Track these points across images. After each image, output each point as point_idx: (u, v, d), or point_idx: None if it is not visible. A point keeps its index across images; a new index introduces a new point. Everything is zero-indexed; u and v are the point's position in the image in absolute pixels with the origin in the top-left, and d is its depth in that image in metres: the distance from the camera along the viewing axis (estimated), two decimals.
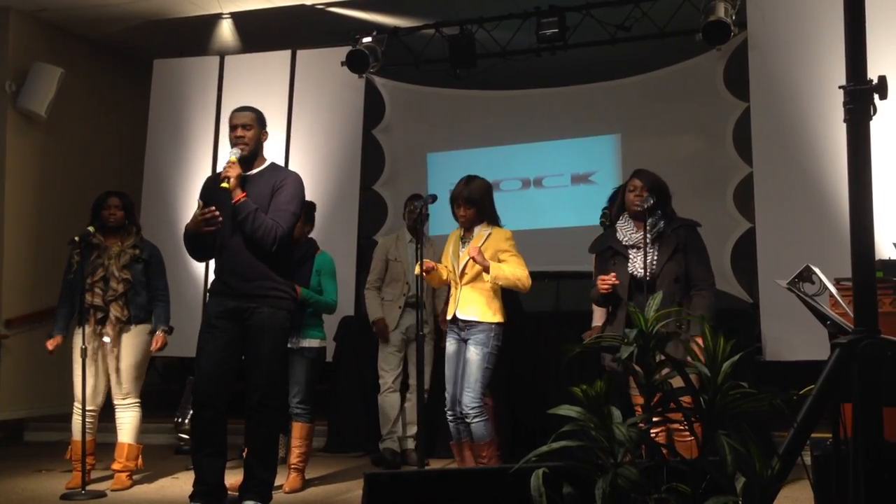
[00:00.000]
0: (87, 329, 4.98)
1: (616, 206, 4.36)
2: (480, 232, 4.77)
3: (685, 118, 7.29)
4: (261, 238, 4.11)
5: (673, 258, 4.07)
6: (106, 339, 5.01)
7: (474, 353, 4.63)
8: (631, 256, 4.15)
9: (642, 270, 4.06)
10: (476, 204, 4.75)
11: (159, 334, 5.11)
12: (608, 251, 4.26)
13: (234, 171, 4.15)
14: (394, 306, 5.78)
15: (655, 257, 4.08)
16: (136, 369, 5.11)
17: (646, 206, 4.03)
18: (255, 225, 4.10)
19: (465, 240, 4.81)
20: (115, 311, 5.02)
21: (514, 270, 4.61)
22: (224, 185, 4.13)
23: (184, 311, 5.30)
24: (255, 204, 4.14)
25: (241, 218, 4.11)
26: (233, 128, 4.31)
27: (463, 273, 4.72)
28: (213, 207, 4.13)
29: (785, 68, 6.00)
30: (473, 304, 4.67)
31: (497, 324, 4.67)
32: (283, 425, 5.05)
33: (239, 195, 4.13)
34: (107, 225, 5.15)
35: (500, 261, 4.62)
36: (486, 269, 4.55)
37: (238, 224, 4.14)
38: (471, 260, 4.61)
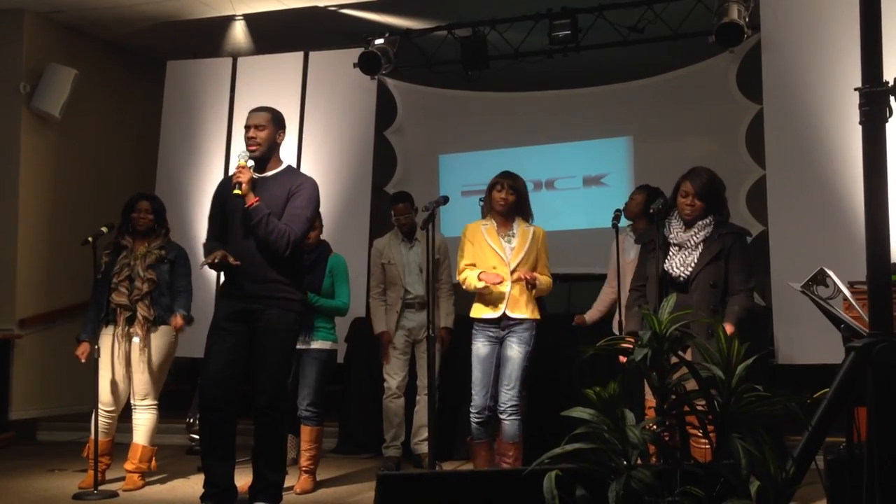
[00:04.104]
0: (116, 329, 5.01)
1: (669, 201, 4.27)
2: (523, 229, 4.83)
3: (698, 120, 7.27)
4: (274, 242, 4.11)
5: (713, 263, 4.00)
6: (136, 340, 5.03)
7: (517, 351, 4.71)
8: (670, 253, 4.09)
9: (678, 269, 4.03)
10: (519, 195, 4.81)
11: (178, 317, 5.07)
12: (651, 244, 4.19)
13: (246, 177, 4.13)
14: (392, 311, 5.70)
15: (695, 259, 4.03)
16: (157, 371, 5.11)
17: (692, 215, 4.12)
18: (268, 229, 4.09)
19: (502, 234, 4.81)
20: (142, 311, 5.03)
21: (547, 281, 4.83)
22: (236, 191, 4.11)
23: (195, 312, 5.29)
24: (269, 207, 4.13)
25: (253, 222, 4.11)
26: (247, 128, 4.29)
27: (513, 271, 4.73)
28: (233, 260, 4.09)
29: (799, 70, 5.95)
30: (522, 303, 4.75)
31: (537, 321, 4.81)
32: (293, 426, 5.06)
33: (252, 199, 4.12)
34: (136, 228, 5.18)
35: (537, 260, 4.82)
36: (534, 286, 4.71)
37: (251, 228, 4.14)
38: (519, 269, 4.72)
